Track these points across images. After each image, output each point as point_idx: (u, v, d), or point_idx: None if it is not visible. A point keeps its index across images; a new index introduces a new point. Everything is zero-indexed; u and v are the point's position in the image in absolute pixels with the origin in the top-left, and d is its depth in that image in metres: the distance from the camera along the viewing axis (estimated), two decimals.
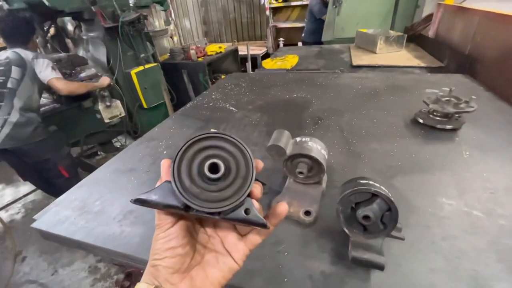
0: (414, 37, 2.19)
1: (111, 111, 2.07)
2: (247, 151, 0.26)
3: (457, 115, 0.82)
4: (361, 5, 2.58)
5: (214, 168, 0.25)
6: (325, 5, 2.83)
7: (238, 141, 0.26)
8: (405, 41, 2.00)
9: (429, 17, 2.04)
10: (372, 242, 0.42)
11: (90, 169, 2.09)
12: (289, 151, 0.53)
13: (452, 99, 0.79)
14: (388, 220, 0.42)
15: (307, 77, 1.39)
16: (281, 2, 4.18)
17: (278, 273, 0.43)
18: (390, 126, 0.86)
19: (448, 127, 0.80)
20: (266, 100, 1.15)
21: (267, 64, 1.84)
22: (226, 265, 0.28)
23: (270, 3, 4.18)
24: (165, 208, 0.25)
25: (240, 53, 3.42)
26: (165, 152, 0.83)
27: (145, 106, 2.37)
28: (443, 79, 1.25)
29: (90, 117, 2.03)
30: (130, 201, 0.25)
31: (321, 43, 2.84)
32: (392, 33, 2.10)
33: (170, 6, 3.90)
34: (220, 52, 2.88)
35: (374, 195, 0.42)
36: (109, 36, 2.10)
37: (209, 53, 2.79)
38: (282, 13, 4.52)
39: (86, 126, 2.04)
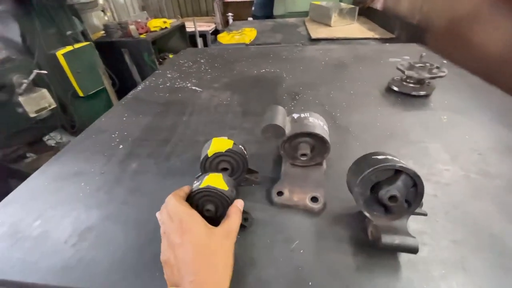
0: (364, 10, 2.24)
1: (37, 102, 1.69)
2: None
3: (428, 81, 0.83)
4: None
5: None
6: None
7: None
8: (356, 13, 2.02)
9: None
10: (397, 224, 0.38)
11: (19, 175, 1.73)
12: (288, 130, 0.44)
13: (427, 64, 0.79)
14: (413, 197, 0.37)
15: (271, 51, 1.30)
16: None
17: (299, 276, 0.36)
18: (367, 96, 0.84)
19: (422, 93, 0.80)
20: (232, 77, 1.03)
21: (223, 38, 1.68)
22: None
23: None
24: None
25: (187, 30, 3.12)
26: (121, 146, 0.67)
27: (81, 94, 2.01)
28: (400, 48, 1.28)
29: (8, 112, 1.63)
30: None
31: (272, 17, 2.74)
32: (344, 5, 2.10)
33: None
34: (166, 27, 2.57)
35: (397, 172, 0.37)
36: (21, 9, 1.66)
37: (152, 29, 2.46)
38: None
39: (5, 123, 1.64)
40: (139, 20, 2.47)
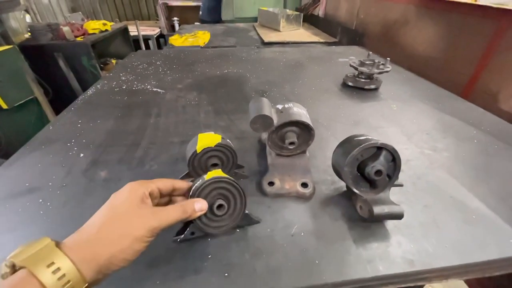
0: (307, 17, 2.42)
1: None
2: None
3: (376, 77, 0.94)
4: None
5: None
6: None
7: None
8: (302, 20, 2.18)
9: None
10: (382, 196, 0.42)
11: None
12: (275, 120, 0.46)
13: (376, 61, 0.89)
14: (392, 170, 0.42)
15: (230, 53, 1.31)
16: None
17: (305, 258, 0.37)
18: (327, 91, 0.91)
19: (372, 86, 0.91)
20: (195, 77, 1.01)
21: (176, 41, 1.63)
22: None
23: None
24: None
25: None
26: (81, 154, 0.59)
27: (4, 106, 1.70)
28: (346, 50, 1.42)
29: None
30: None
31: (221, 21, 2.76)
32: (290, 12, 2.24)
33: None
34: (106, 30, 2.36)
35: (379, 149, 0.41)
36: None
37: (90, 31, 2.23)
38: None
39: None
40: (73, 22, 2.21)
